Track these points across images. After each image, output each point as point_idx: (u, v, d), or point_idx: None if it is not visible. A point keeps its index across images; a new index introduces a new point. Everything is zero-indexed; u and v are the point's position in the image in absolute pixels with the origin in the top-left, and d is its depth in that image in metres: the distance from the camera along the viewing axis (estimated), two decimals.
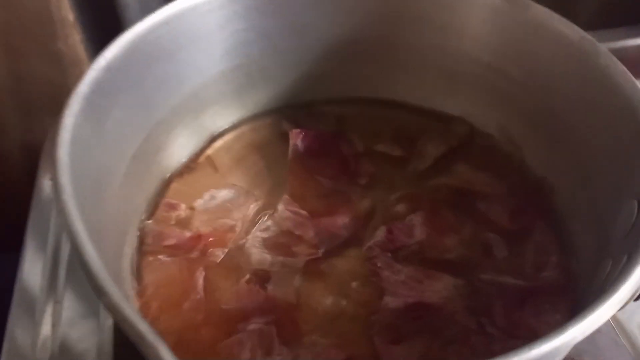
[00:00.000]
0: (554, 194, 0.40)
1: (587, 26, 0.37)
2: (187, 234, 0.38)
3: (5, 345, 0.37)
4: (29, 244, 0.41)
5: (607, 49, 0.36)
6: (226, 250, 0.37)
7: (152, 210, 0.39)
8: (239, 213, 0.39)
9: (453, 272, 0.36)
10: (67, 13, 0.49)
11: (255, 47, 0.42)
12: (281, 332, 0.33)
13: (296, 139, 0.42)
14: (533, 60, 0.39)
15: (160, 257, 0.36)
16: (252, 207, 0.39)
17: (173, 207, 0.39)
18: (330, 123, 0.45)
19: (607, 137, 0.35)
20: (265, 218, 0.39)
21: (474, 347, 0.33)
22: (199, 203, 0.39)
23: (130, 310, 0.24)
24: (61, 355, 0.37)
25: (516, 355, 0.23)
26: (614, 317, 0.40)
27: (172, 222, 0.38)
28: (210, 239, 0.37)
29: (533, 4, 0.39)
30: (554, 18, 0.38)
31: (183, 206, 0.39)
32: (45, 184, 0.45)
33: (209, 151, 0.43)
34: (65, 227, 0.26)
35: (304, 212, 0.38)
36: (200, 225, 0.38)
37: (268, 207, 0.39)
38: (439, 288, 0.35)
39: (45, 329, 0.38)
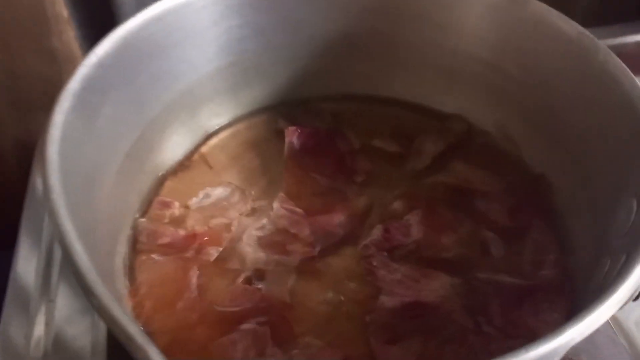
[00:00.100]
0: (552, 192, 0.40)
1: (585, 23, 0.37)
2: (182, 232, 0.37)
3: None
4: (22, 242, 0.41)
5: (605, 45, 0.35)
6: (221, 249, 0.37)
7: (146, 208, 0.39)
8: (234, 211, 0.39)
9: (450, 271, 0.36)
10: (61, 9, 0.49)
11: (250, 44, 0.41)
12: (275, 332, 0.33)
13: (292, 136, 0.41)
14: (532, 56, 0.39)
15: (154, 255, 0.36)
16: (248, 206, 0.39)
17: (167, 205, 0.38)
18: (326, 120, 0.44)
19: (606, 135, 0.35)
20: (261, 216, 0.38)
21: (471, 346, 0.33)
22: (193, 201, 0.39)
23: (120, 311, 0.23)
24: (55, 353, 0.37)
25: (513, 357, 0.23)
26: (611, 316, 0.40)
27: (166, 221, 0.38)
28: (205, 237, 0.37)
29: (532, 1, 0.38)
30: (552, 14, 0.38)
31: (177, 204, 0.39)
32: (38, 182, 0.45)
33: (204, 149, 0.42)
34: (54, 226, 0.26)
35: (299, 210, 0.38)
36: (194, 223, 0.38)
37: (263, 205, 0.39)
38: (435, 287, 0.35)
39: (39, 327, 0.38)
